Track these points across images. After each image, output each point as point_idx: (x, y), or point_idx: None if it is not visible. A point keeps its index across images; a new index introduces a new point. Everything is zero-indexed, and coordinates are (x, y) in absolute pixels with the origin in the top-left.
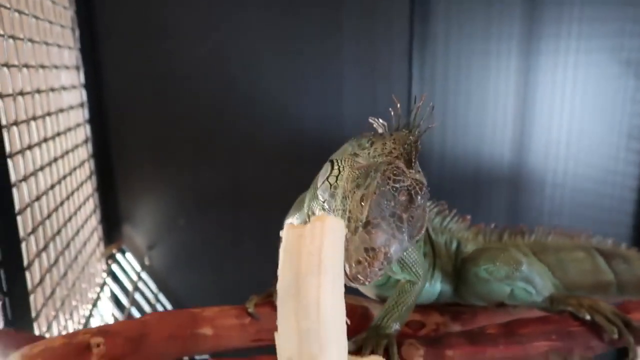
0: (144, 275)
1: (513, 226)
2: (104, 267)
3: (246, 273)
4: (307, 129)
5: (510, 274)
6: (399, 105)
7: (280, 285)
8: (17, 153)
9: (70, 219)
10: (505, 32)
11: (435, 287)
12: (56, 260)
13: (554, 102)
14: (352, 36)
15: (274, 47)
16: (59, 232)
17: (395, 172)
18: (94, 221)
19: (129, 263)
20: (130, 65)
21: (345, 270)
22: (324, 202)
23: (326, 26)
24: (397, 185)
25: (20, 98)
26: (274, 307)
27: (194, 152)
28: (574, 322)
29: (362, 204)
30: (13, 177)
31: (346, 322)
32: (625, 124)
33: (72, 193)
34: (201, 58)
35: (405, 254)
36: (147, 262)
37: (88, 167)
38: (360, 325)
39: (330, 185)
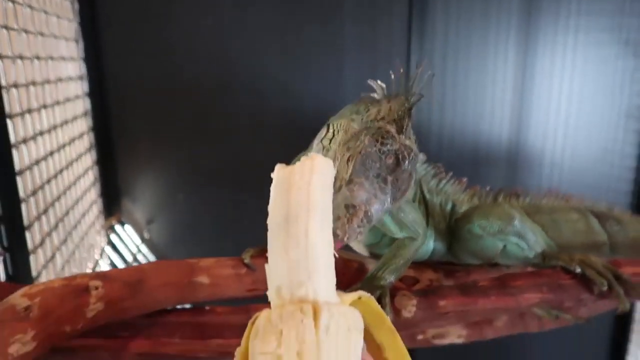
0: (143, 248)
1: (508, 188)
2: (104, 237)
3: (245, 248)
4: (308, 105)
5: (503, 228)
6: (402, 69)
7: (271, 220)
8: (17, 115)
9: (69, 187)
10: (505, 10)
11: (428, 245)
12: (56, 226)
13: (552, 80)
14: (352, 13)
15: (274, 25)
16: (58, 198)
17: (383, 135)
18: (94, 194)
19: (128, 236)
20: (131, 38)
21: None
22: None
23: (327, 3)
24: (385, 148)
25: (19, 61)
26: None
27: (194, 127)
28: (565, 275)
29: (348, 163)
30: (13, 139)
31: (334, 255)
32: (624, 103)
33: (71, 163)
34: (202, 33)
35: (403, 214)
36: (146, 236)
37: (87, 140)
38: (356, 279)
39: (324, 147)
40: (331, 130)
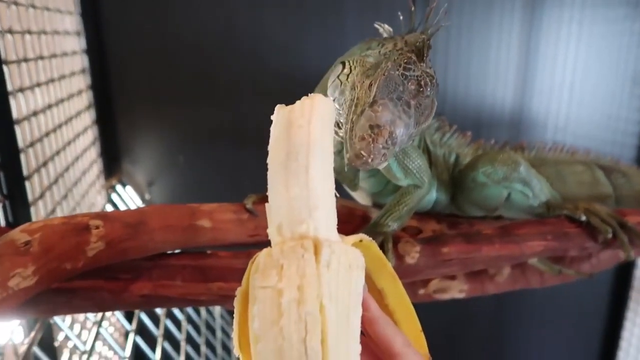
0: None
1: (513, 142)
2: (104, 197)
3: None
4: (309, 66)
5: (508, 174)
6: (413, 8)
7: (271, 158)
8: (13, 62)
9: (68, 143)
10: None
11: (431, 194)
12: (56, 180)
13: (558, 43)
14: None
15: None
16: (57, 153)
17: (406, 60)
18: (94, 153)
19: (129, 196)
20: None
21: (346, 153)
22: (333, 100)
23: None
24: (407, 73)
25: (13, 6)
26: None
27: (195, 88)
28: (569, 224)
29: (370, 88)
30: (10, 86)
31: (335, 195)
32: (630, 68)
33: (70, 119)
34: None
35: (409, 160)
36: (147, 197)
37: (86, 98)
38: (359, 227)
39: (341, 82)
40: (347, 66)
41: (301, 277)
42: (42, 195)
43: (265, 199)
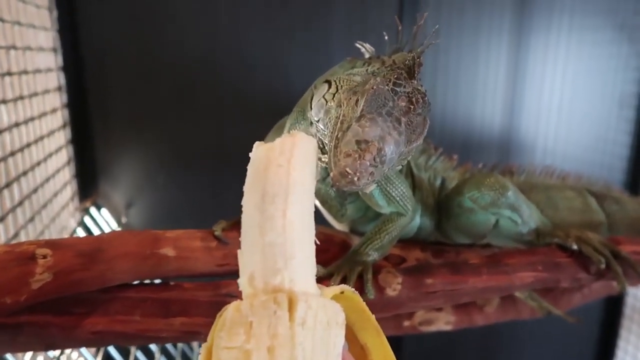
0: None
1: (502, 165)
2: (77, 220)
3: None
4: (295, 83)
5: (496, 199)
6: (400, 27)
7: (246, 199)
8: None
9: (38, 164)
10: None
11: (415, 220)
12: (20, 202)
13: (546, 65)
14: None
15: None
16: (24, 173)
17: (396, 76)
18: (67, 174)
19: (104, 220)
20: (109, 11)
21: (331, 173)
22: (317, 121)
23: None
24: (397, 89)
25: None
26: None
27: (176, 106)
28: (561, 253)
29: (357, 103)
30: None
31: (315, 242)
32: (618, 91)
33: (42, 138)
34: (185, 8)
35: (392, 187)
36: (124, 221)
37: (61, 116)
38: (338, 255)
39: (326, 101)
40: (333, 85)
41: (272, 338)
42: (2, 219)
43: (236, 225)
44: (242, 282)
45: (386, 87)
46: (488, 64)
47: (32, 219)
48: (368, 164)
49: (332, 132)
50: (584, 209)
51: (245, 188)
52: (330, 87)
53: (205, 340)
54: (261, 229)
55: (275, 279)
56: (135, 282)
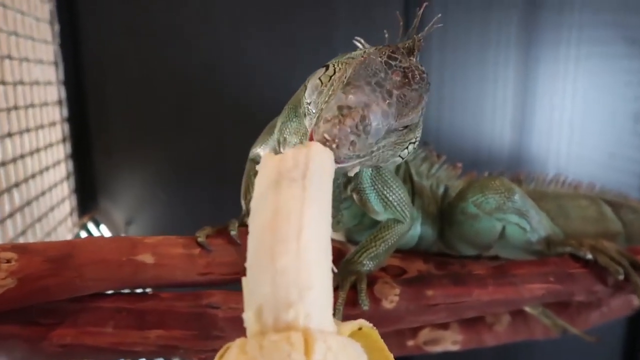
0: None
1: (510, 173)
2: (74, 236)
3: None
4: None
5: (502, 204)
6: (401, 22)
7: (253, 219)
8: None
9: (33, 176)
10: (506, 6)
11: (415, 229)
12: (10, 215)
13: (556, 79)
14: (343, 2)
15: (262, 10)
16: (16, 185)
17: (393, 50)
18: (66, 188)
19: (102, 235)
20: (110, 25)
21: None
22: (309, 103)
23: None
24: (392, 62)
25: None
26: (229, 240)
27: (177, 119)
28: (574, 263)
29: (346, 72)
30: None
31: (332, 270)
32: (631, 106)
33: (38, 151)
34: (185, 21)
35: (388, 190)
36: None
37: (60, 130)
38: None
39: (322, 82)
40: (331, 67)
41: None
42: None
43: (222, 232)
44: (248, 316)
45: (379, 58)
46: (496, 78)
47: (23, 232)
48: (348, 130)
49: (321, 108)
50: (599, 218)
51: (253, 205)
52: (327, 69)
53: (184, 357)
54: (272, 253)
55: (288, 314)
56: (110, 292)
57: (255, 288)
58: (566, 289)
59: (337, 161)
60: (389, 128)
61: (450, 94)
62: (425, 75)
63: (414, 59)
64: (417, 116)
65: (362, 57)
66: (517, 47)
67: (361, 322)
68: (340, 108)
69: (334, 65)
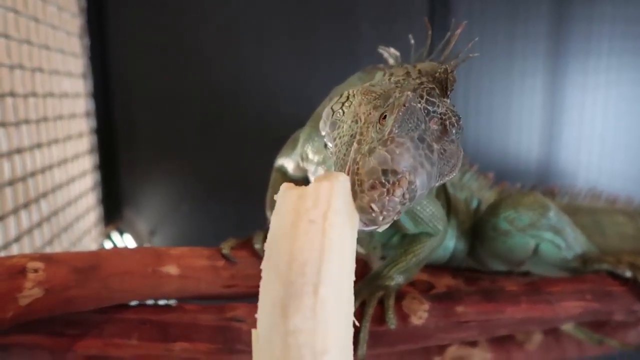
0: None
1: (543, 186)
2: (100, 245)
3: None
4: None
5: (535, 220)
6: (430, 32)
7: (267, 264)
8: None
9: (59, 187)
10: (533, 17)
11: (448, 244)
12: (38, 224)
13: (585, 90)
14: (368, 14)
15: (285, 26)
16: (44, 195)
17: (429, 92)
18: (92, 199)
19: (126, 245)
20: (138, 40)
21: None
22: (323, 135)
23: (341, 4)
24: (430, 108)
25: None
26: (253, 252)
27: (202, 134)
28: (613, 281)
29: (382, 122)
30: None
31: (354, 324)
32: None
33: (65, 161)
34: (210, 36)
35: (418, 207)
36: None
37: (88, 141)
38: (357, 278)
39: (334, 112)
40: (345, 95)
41: None
42: (18, 239)
43: (246, 244)
44: None
45: (419, 104)
46: (523, 89)
47: (50, 242)
48: (397, 200)
49: (344, 153)
50: (638, 236)
51: (267, 246)
52: (341, 96)
53: None
54: (284, 309)
55: None
56: (134, 303)
57: (265, 346)
58: (604, 307)
59: (368, 225)
60: (430, 189)
61: (475, 105)
62: (461, 121)
63: (447, 100)
64: (455, 174)
65: (403, 104)
66: (545, 58)
67: None
68: (385, 172)
69: (348, 93)
